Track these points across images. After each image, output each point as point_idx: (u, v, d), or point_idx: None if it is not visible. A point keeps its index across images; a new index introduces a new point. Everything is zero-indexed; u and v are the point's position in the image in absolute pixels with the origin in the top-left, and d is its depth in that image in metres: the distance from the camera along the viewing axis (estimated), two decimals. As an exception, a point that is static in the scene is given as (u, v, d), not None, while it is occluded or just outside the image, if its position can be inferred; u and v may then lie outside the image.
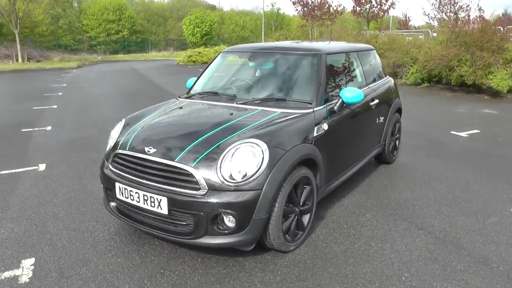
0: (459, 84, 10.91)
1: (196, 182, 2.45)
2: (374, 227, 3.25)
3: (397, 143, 4.97)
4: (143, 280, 2.49)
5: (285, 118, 2.90)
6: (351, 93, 3.21)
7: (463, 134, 6.34)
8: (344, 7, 27.36)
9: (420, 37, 19.94)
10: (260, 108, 3.08)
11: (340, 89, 3.49)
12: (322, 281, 2.51)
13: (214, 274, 2.56)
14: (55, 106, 9.02)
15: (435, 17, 30.90)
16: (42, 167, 4.75)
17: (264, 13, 34.27)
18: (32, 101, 9.73)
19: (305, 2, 27.80)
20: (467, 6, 16.94)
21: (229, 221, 2.46)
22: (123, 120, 3.21)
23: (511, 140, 5.98)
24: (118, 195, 2.78)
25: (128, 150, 2.79)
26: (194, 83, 3.93)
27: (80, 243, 2.98)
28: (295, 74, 3.43)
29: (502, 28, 11.20)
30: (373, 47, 4.77)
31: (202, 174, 2.44)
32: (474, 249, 2.92)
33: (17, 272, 2.63)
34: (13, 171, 4.62)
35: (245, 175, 2.44)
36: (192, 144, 2.58)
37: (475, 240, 3.06)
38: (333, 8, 28.04)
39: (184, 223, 2.54)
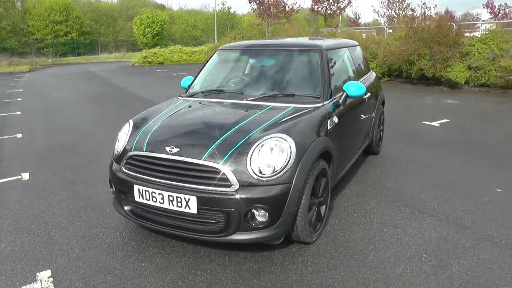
0: (419, 77, 11.50)
1: (227, 179, 2.45)
2: (381, 214, 3.39)
3: (381, 134, 5.18)
4: (177, 282, 2.46)
5: (300, 113, 2.96)
6: (354, 87, 3.33)
7: (435, 123, 6.72)
8: (299, 5, 27.89)
9: (373, 33, 20.81)
10: (272, 104, 3.12)
11: (338, 83, 3.61)
12: (352, 268, 2.60)
13: (247, 270, 2.57)
14: (19, 113, 8.51)
15: (384, 14, 32.24)
16: (25, 176, 4.49)
17: (216, 12, 34.15)
18: (-11, 108, 9.12)
19: (261, 0, 27.97)
20: (422, 4, 17.93)
21: (261, 216, 2.48)
22: (131, 121, 3.12)
23: (478, 127, 6.42)
24: (137, 198, 2.71)
25: (146, 151, 2.72)
26: (192, 81, 3.89)
27: (95, 250, 2.87)
28: (299, 70, 3.50)
29: (454, 25, 11.89)
30: (358, 43, 4.94)
31: (232, 171, 2.45)
32: (476, 228, 3.14)
33: (35, 285, 2.50)
34: (-6, 182, 4.34)
35: (274, 170, 2.47)
36: (217, 141, 2.58)
37: (474, 219, 3.29)
38: (288, 7, 28.45)
39: (213, 221, 2.53)
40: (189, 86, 3.87)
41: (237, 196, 2.42)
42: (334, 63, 3.77)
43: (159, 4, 52.37)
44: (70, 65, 26.49)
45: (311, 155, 2.65)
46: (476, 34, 12.98)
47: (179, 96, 3.73)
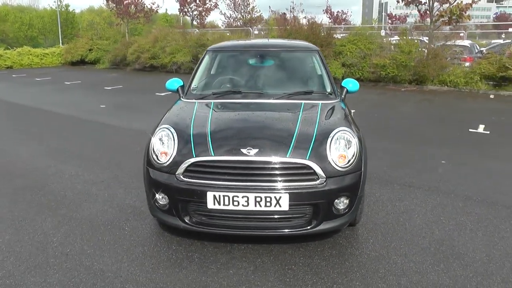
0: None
1: (314, 173, 2.58)
2: (383, 193, 3.90)
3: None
4: (283, 279, 2.49)
5: (331, 108, 3.24)
6: (352, 83, 3.76)
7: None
8: (158, 5, 27.38)
9: (228, 34, 21.98)
10: (301, 101, 3.31)
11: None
12: (405, 237, 3.02)
13: (330, 256, 2.74)
14: None
15: (230, 16, 33.67)
16: (-26, 208, 3.63)
17: (52, 10, 30.88)
18: None
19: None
20: (292, 8, 19.76)
21: (343, 204, 2.69)
22: (170, 129, 2.88)
23: (382, 115, 7.65)
24: (212, 205, 2.60)
25: (215, 155, 2.64)
26: (189, 84, 3.75)
27: (162, 270, 2.63)
28: (303, 69, 3.77)
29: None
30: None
31: (318, 165, 2.59)
32: (457, 192, 3.90)
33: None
34: None
35: (348, 159, 2.71)
36: (294, 138, 2.68)
37: (449, 185, 4.07)
38: (147, 6, 27.58)
39: (300, 215, 2.63)
40: (188, 88, 3.71)
41: (327, 188, 2.59)
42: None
43: (-23, -2, 44.73)
44: None
45: (365, 144, 2.98)
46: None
47: (183, 98, 3.58)
